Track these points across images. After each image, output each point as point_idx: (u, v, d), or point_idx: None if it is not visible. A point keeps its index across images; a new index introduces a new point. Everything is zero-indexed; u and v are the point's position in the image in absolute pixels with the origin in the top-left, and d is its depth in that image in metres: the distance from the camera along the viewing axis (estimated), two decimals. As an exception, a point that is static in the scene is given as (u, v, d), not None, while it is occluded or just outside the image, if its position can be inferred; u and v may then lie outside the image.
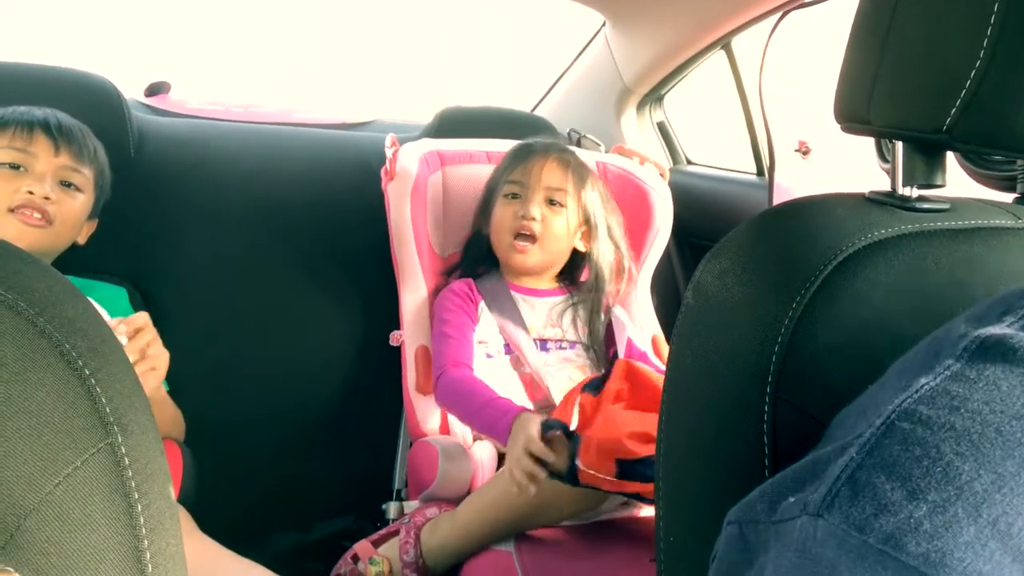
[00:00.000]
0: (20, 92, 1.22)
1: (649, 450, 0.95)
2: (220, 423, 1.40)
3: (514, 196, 1.30)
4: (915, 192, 0.59)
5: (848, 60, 0.58)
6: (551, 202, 1.29)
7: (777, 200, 1.43)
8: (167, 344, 1.34)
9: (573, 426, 1.02)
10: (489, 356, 1.29)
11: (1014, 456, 0.29)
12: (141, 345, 0.95)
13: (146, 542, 0.38)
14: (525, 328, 1.29)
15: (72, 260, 1.23)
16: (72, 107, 1.24)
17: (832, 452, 0.34)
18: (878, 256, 0.52)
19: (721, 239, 0.59)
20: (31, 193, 1.08)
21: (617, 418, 0.98)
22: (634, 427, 0.97)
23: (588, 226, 1.34)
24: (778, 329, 0.47)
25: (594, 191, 1.34)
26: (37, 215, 1.09)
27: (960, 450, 0.30)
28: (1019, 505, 0.28)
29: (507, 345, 1.30)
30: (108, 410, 0.40)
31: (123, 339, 0.94)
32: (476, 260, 1.38)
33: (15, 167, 1.10)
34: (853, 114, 0.58)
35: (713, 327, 0.52)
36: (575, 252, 1.36)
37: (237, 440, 1.42)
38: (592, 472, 0.96)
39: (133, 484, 0.39)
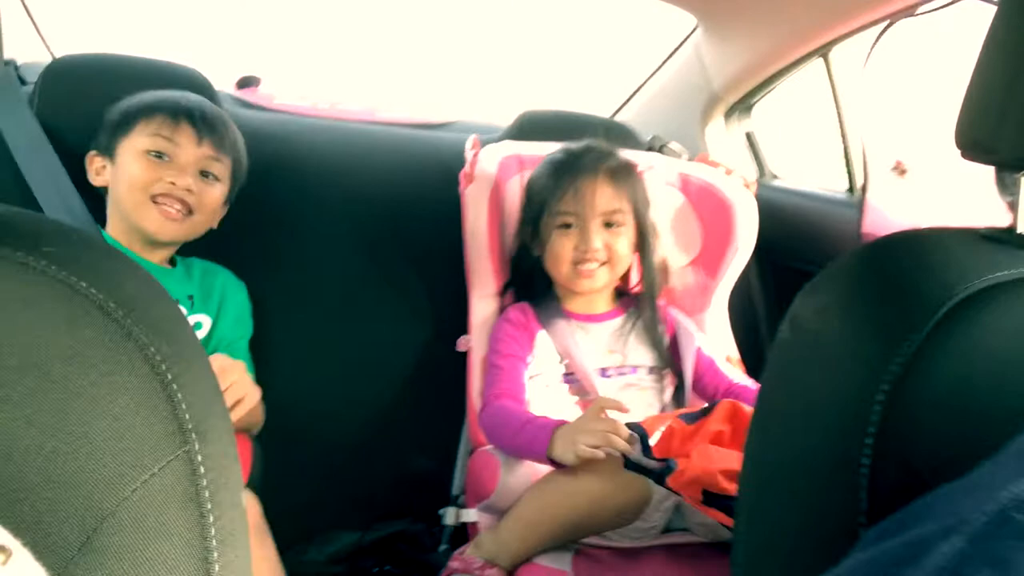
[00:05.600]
0: (114, 83, 1.26)
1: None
2: (288, 418, 1.42)
3: (569, 226, 1.22)
4: (1040, 232, 0.54)
5: (976, 81, 0.54)
6: (608, 224, 1.22)
7: (868, 221, 1.36)
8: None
9: (652, 442, 0.99)
10: (547, 386, 1.26)
11: None
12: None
13: (215, 553, 0.38)
14: (583, 357, 1.24)
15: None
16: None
17: (935, 533, 0.31)
18: (997, 300, 0.47)
19: (818, 271, 0.55)
20: (173, 184, 1.11)
21: (713, 453, 0.96)
22: (730, 465, 0.94)
23: (641, 233, 1.28)
24: (883, 376, 0.44)
25: (645, 196, 1.27)
26: (177, 207, 1.12)
27: None
28: None
29: (565, 375, 1.26)
30: (188, 416, 0.40)
31: None
32: (529, 280, 1.32)
33: (159, 155, 1.13)
34: (977, 142, 0.54)
35: (810, 367, 0.48)
36: None
37: (303, 435, 1.44)
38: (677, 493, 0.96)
39: (207, 494, 0.39)
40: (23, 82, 1.36)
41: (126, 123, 1.15)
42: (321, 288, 1.48)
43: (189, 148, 1.14)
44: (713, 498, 0.92)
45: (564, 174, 1.24)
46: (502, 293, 1.35)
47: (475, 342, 1.33)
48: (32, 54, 1.58)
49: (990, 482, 0.32)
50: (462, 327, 1.37)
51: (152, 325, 0.41)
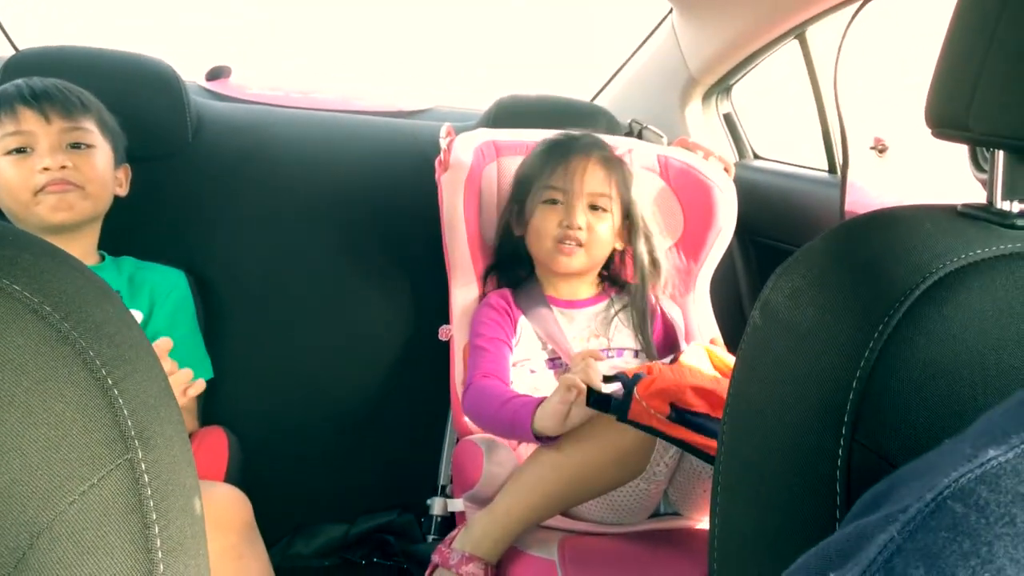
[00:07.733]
0: (79, 76, 1.23)
1: (709, 408, 0.91)
2: (270, 411, 1.41)
3: (555, 202, 1.23)
4: (1016, 207, 0.53)
5: (945, 59, 0.52)
6: (594, 207, 1.23)
7: (850, 200, 1.36)
8: (221, 332, 1.35)
9: (633, 376, 0.98)
10: (533, 372, 1.25)
11: None
12: None
13: (162, 567, 0.36)
14: (568, 342, 1.24)
15: (129, 245, 1.25)
16: (131, 90, 1.25)
17: (877, 523, 0.29)
18: (973, 280, 0.46)
19: (794, 252, 0.54)
20: (47, 169, 1.07)
21: (687, 372, 0.94)
22: (704, 384, 0.92)
23: (629, 223, 1.28)
24: (857, 361, 0.42)
25: (632, 187, 1.28)
26: (63, 188, 1.09)
27: (1016, 555, 0.24)
28: None
29: (550, 360, 1.25)
30: (130, 423, 0.38)
31: None
32: (511, 264, 1.32)
33: (21, 151, 1.09)
34: (948, 119, 0.52)
35: (782, 353, 0.47)
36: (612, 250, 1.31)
37: (286, 428, 1.42)
38: (644, 406, 0.92)
39: (152, 503, 0.37)
40: (-16, 78, 1.32)
41: None
42: (299, 281, 1.46)
43: (41, 130, 1.09)
44: (681, 415, 0.90)
45: (557, 153, 1.26)
46: (484, 277, 1.34)
47: (456, 331, 1.31)
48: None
49: (939, 464, 0.29)
50: (444, 316, 1.35)
51: (93, 328, 0.40)
